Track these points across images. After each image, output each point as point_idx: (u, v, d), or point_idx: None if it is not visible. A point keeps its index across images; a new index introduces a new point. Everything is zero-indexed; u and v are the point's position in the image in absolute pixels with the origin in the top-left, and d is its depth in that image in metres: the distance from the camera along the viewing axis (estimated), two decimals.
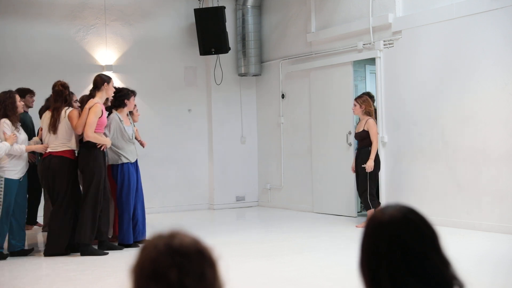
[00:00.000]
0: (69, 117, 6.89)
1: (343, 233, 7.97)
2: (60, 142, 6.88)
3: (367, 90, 9.76)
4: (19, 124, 6.82)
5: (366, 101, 8.35)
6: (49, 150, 6.88)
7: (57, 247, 6.83)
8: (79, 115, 6.97)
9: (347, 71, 9.52)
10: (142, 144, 7.99)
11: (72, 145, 6.94)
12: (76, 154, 7.04)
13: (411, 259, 1.52)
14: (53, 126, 6.87)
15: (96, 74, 10.07)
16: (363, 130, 8.29)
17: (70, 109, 6.96)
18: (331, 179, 9.76)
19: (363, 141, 8.31)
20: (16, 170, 6.68)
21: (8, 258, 6.67)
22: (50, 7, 10.04)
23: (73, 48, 10.17)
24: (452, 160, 7.91)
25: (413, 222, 1.57)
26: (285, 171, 10.77)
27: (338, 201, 9.62)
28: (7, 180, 6.60)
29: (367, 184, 8.17)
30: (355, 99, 8.52)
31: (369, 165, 8.14)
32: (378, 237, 1.56)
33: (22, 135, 6.79)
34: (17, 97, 6.83)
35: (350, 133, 9.37)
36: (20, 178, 6.74)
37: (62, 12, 10.11)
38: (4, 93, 6.78)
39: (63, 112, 6.91)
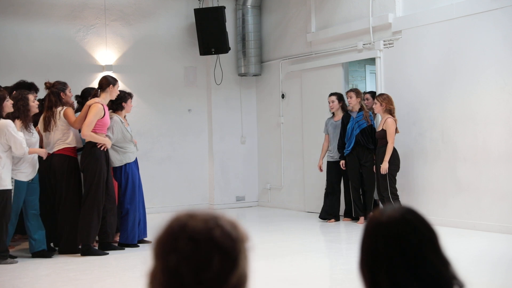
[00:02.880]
0: (65, 115, 6.91)
1: (343, 233, 7.96)
2: (58, 141, 6.90)
3: (355, 87, 9.59)
4: (31, 126, 6.74)
5: (386, 99, 8.14)
6: (48, 151, 6.89)
7: (74, 245, 6.87)
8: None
9: (340, 71, 9.55)
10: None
11: (71, 142, 6.95)
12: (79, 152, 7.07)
13: (411, 259, 1.52)
14: (48, 126, 6.90)
15: (96, 74, 10.22)
16: (382, 129, 8.11)
17: (64, 108, 6.96)
18: (322, 179, 9.76)
19: (382, 140, 8.12)
20: (27, 173, 6.61)
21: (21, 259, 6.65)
22: (50, 7, 10.04)
23: (73, 48, 10.17)
24: (452, 160, 7.91)
25: (412, 223, 1.57)
26: (285, 171, 10.78)
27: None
28: (17, 182, 6.55)
29: (386, 183, 7.99)
30: (376, 97, 8.31)
31: (384, 168, 7.97)
32: (377, 238, 1.56)
33: (34, 138, 6.74)
34: (31, 97, 6.74)
35: None
36: (30, 180, 6.67)
37: (62, 12, 10.11)
38: (18, 93, 6.70)
39: (57, 112, 6.91)
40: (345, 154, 8.78)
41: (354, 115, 8.78)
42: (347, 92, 8.99)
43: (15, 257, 6.70)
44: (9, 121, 6.36)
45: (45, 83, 7.01)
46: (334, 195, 8.99)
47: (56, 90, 6.95)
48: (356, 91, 8.88)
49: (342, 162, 8.83)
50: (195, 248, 1.32)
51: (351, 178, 8.75)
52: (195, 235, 1.33)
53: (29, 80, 7.65)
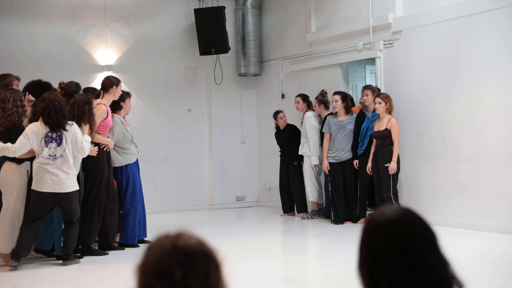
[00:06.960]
0: None
1: (343, 233, 7.96)
2: None
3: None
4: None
5: (388, 97, 8.03)
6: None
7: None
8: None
9: (340, 71, 9.54)
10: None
11: None
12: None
13: (410, 259, 1.53)
14: None
15: (96, 74, 10.23)
16: (385, 129, 7.96)
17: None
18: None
19: (384, 140, 7.97)
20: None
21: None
22: (50, 7, 10.04)
23: (73, 48, 10.17)
24: (452, 160, 7.91)
25: (411, 223, 1.57)
26: None
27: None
28: None
29: (390, 184, 7.91)
30: (378, 96, 8.09)
31: (392, 167, 7.87)
32: (377, 238, 1.56)
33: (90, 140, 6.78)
34: (95, 102, 6.73)
35: None
36: None
37: (62, 12, 10.12)
38: (84, 96, 6.67)
39: None
40: (358, 155, 8.53)
41: (369, 114, 8.48)
42: (362, 90, 8.71)
43: (80, 257, 6.66)
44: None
45: (60, 84, 7.06)
46: (339, 198, 8.73)
47: (71, 92, 6.99)
48: (372, 88, 8.58)
49: (355, 162, 8.56)
50: (194, 261, 1.40)
51: (361, 179, 8.55)
52: (189, 250, 1.42)
53: (29, 79, 7.63)
